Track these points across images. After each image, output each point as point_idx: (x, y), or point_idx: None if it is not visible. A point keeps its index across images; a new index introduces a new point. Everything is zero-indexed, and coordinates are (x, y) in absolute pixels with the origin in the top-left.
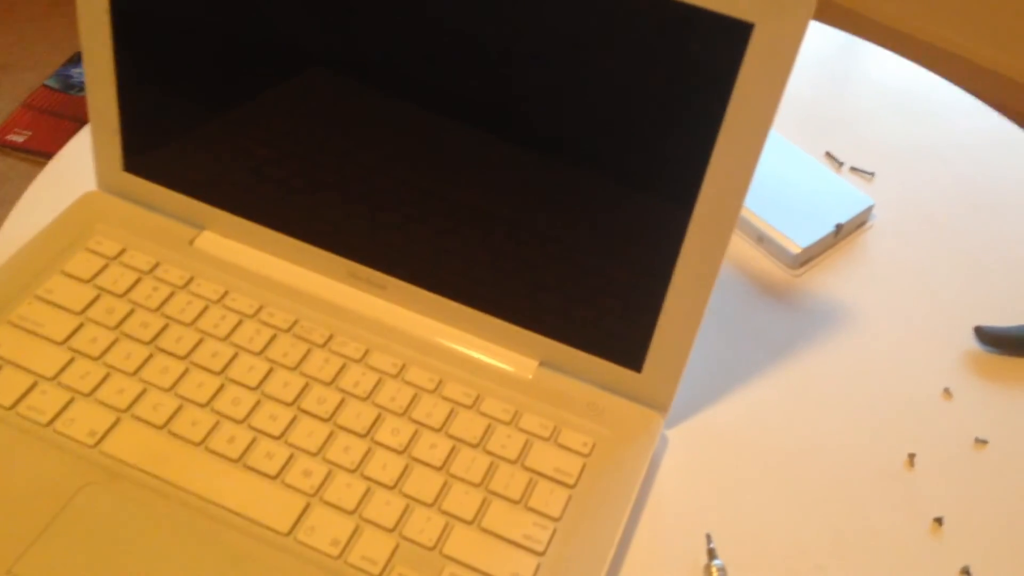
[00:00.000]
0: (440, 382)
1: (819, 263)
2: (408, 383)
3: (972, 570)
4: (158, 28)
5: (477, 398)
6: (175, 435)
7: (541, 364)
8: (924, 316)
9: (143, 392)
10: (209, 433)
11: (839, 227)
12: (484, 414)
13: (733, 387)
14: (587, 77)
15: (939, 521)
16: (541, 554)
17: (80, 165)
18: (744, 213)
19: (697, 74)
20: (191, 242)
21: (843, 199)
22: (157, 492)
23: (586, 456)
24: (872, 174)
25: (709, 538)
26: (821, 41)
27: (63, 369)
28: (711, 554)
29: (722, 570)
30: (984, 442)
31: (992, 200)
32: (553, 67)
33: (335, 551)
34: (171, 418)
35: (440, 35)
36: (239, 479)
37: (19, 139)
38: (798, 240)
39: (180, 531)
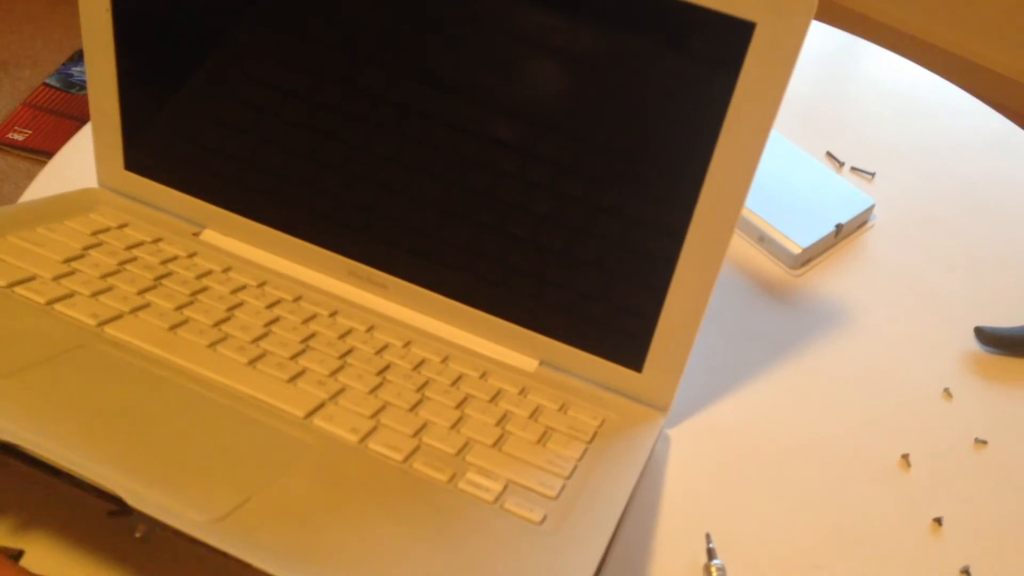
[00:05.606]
0: (443, 367)
1: (820, 263)
2: (414, 361)
3: (972, 570)
4: (160, 27)
5: (485, 392)
6: (182, 338)
7: (541, 364)
8: (924, 316)
9: (147, 304)
10: (218, 341)
11: (839, 227)
12: (494, 402)
13: (733, 387)
14: (588, 76)
15: (939, 521)
16: (561, 487)
17: (81, 164)
18: (745, 213)
19: (699, 73)
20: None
21: (844, 199)
22: (165, 366)
23: (588, 443)
24: (873, 174)
25: (709, 538)
26: (822, 41)
27: (63, 276)
28: (711, 554)
29: (721, 570)
30: (984, 442)
31: (992, 200)
32: (555, 66)
33: (355, 438)
34: (178, 325)
35: (440, 35)
36: (251, 372)
37: (19, 138)
38: (799, 240)
39: (184, 397)
